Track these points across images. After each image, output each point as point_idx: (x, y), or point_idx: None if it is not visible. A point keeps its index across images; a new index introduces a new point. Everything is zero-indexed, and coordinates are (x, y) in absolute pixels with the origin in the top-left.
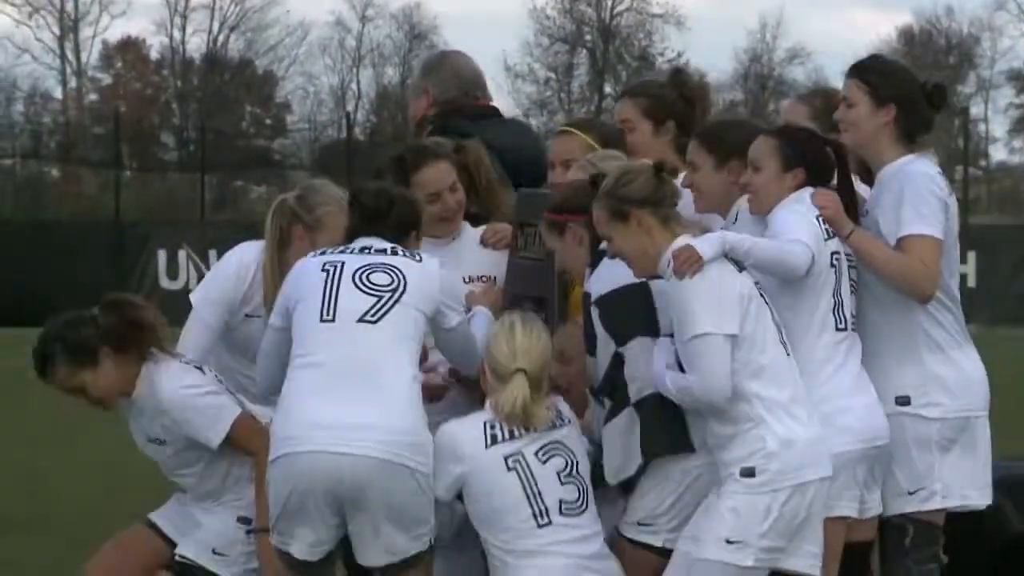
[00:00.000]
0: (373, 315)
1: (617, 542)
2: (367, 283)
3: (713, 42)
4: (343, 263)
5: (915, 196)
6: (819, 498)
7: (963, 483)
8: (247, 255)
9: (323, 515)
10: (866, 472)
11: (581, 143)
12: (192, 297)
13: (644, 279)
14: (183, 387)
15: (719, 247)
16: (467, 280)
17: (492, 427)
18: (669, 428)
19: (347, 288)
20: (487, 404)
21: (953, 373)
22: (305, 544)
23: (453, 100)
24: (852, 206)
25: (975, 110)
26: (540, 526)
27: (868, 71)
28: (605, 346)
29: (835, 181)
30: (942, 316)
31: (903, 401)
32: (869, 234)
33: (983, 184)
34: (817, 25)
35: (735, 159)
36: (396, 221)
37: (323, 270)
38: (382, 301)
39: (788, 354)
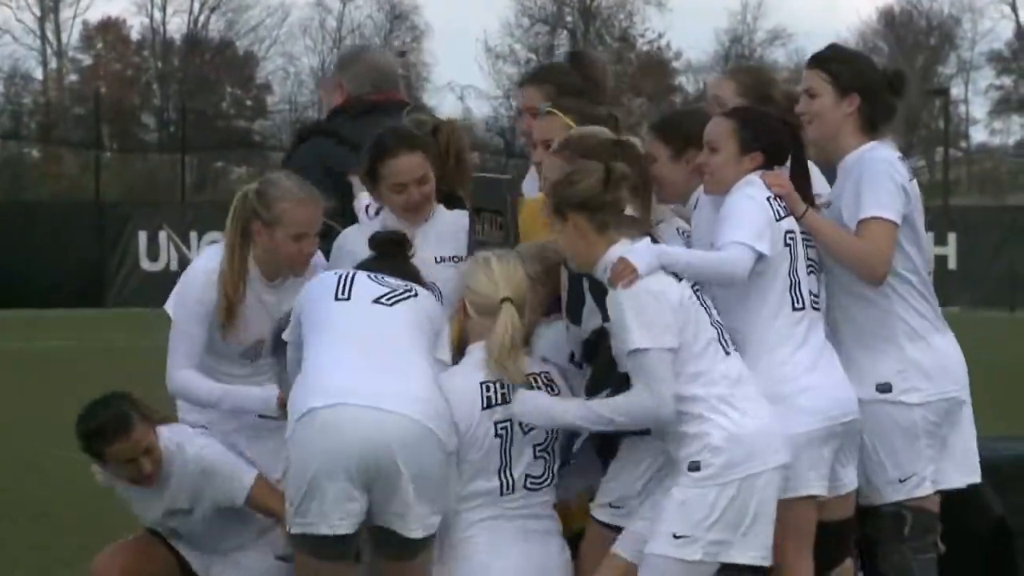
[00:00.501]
0: (388, 300)
1: (589, 525)
2: (380, 279)
3: (694, 23)
4: (355, 272)
5: (873, 181)
6: (771, 488)
7: (951, 466)
8: (212, 260)
9: (352, 481)
10: (835, 449)
11: (562, 124)
12: (169, 310)
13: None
14: (203, 447)
15: (654, 263)
16: (437, 260)
17: (488, 388)
18: None
19: (361, 278)
20: (474, 354)
21: (932, 358)
22: (334, 516)
23: (363, 96)
24: (806, 186)
25: (956, 91)
26: (503, 495)
27: (829, 61)
28: (590, 316)
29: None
30: (916, 302)
31: (884, 388)
32: (822, 215)
33: (963, 165)
34: (798, 6)
35: (692, 149)
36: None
37: (335, 274)
38: (396, 292)
39: (728, 352)
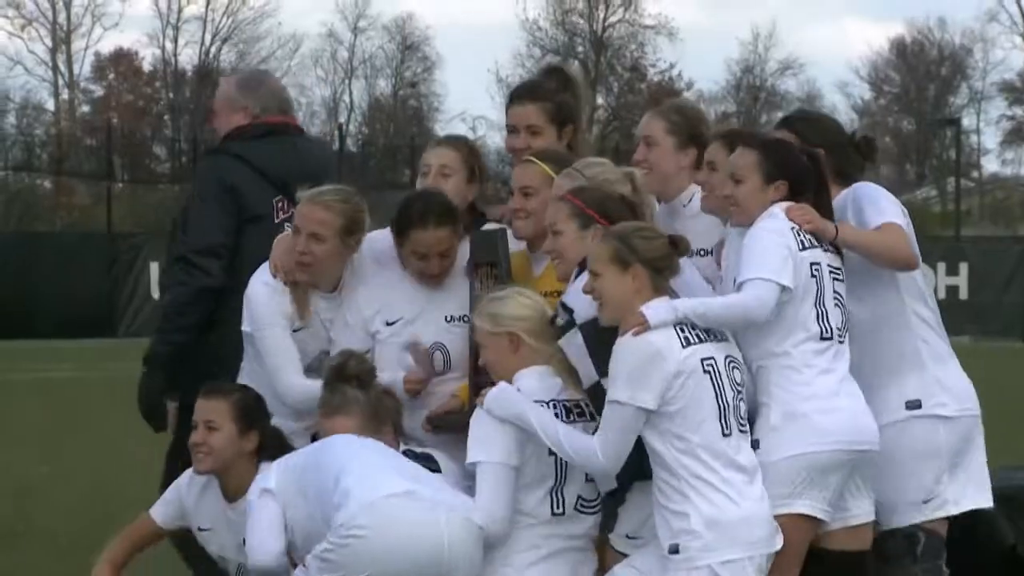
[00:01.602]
0: None
1: (608, 552)
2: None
3: (705, 53)
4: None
5: (871, 199)
6: (745, 574)
7: (969, 488)
8: (264, 273)
9: None
10: (844, 477)
11: (541, 172)
12: (248, 330)
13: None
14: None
15: (669, 316)
16: (448, 320)
17: (555, 406)
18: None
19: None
20: (534, 377)
21: (953, 377)
22: None
23: (266, 119)
24: (829, 215)
25: (967, 121)
26: (554, 514)
27: (795, 120)
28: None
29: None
30: (933, 330)
31: (914, 405)
32: (850, 224)
33: (975, 196)
34: (809, 37)
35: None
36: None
37: None
38: None
39: (727, 433)
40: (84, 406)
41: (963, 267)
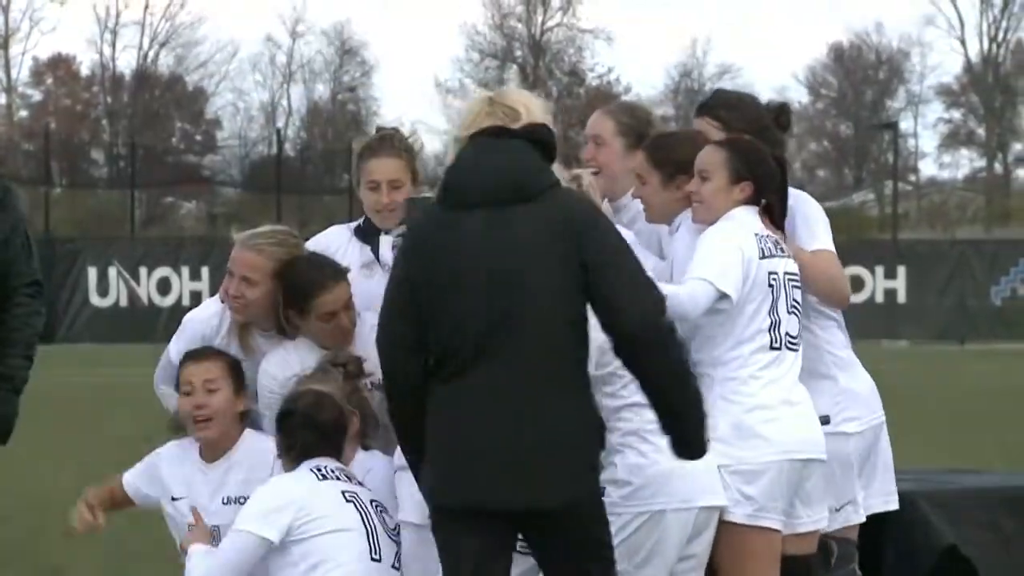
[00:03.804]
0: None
1: None
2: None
3: (643, 58)
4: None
5: (808, 220)
6: (675, 528)
7: (876, 493)
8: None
9: None
10: (794, 485)
11: None
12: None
13: None
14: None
15: None
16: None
17: None
18: None
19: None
20: None
21: (862, 384)
22: None
23: None
24: (782, 218)
25: (904, 125)
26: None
27: (715, 107)
28: None
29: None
30: (838, 335)
31: (823, 421)
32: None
33: (913, 199)
34: (748, 42)
35: (682, 175)
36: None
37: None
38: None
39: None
40: (23, 411)
41: (901, 270)
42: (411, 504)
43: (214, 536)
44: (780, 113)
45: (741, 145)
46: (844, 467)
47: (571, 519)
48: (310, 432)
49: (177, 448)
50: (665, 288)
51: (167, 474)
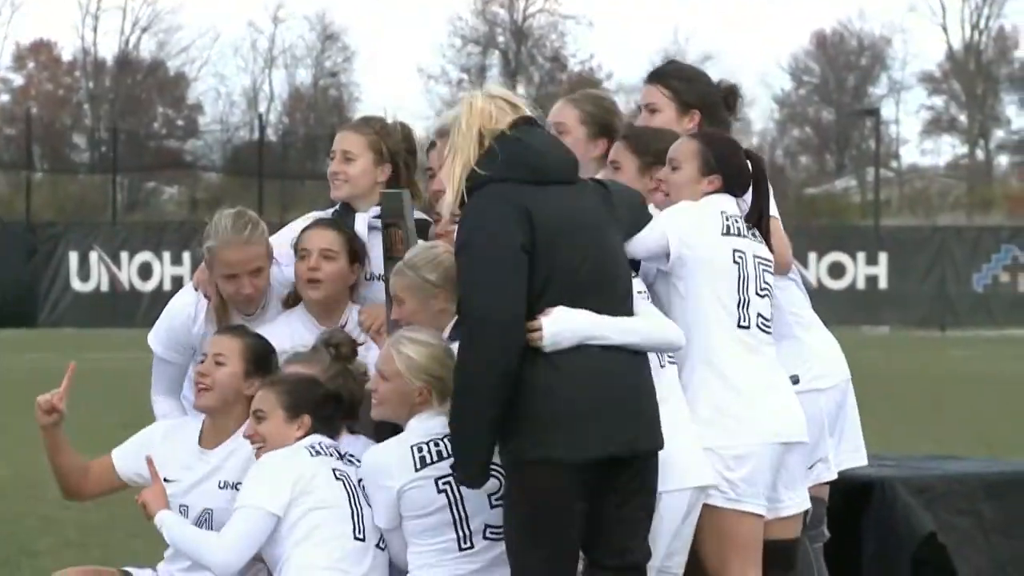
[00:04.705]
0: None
1: None
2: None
3: (625, 44)
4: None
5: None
6: (671, 510)
7: (847, 449)
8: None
9: None
10: (776, 469)
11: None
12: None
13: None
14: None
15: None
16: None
17: (420, 449)
18: None
19: None
20: (416, 427)
21: (826, 343)
22: None
23: None
24: (767, 214)
25: (886, 111)
26: (462, 549)
27: (670, 76)
28: None
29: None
30: (799, 295)
31: (793, 381)
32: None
33: (894, 186)
34: (730, 27)
35: (658, 166)
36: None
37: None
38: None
39: (662, 365)
40: (3, 396)
41: (882, 257)
42: (382, 509)
43: (204, 520)
44: (729, 94)
45: (715, 138)
46: (816, 424)
47: (654, 463)
48: None
49: (172, 427)
50: (641, 328)
51: (158, 452)
